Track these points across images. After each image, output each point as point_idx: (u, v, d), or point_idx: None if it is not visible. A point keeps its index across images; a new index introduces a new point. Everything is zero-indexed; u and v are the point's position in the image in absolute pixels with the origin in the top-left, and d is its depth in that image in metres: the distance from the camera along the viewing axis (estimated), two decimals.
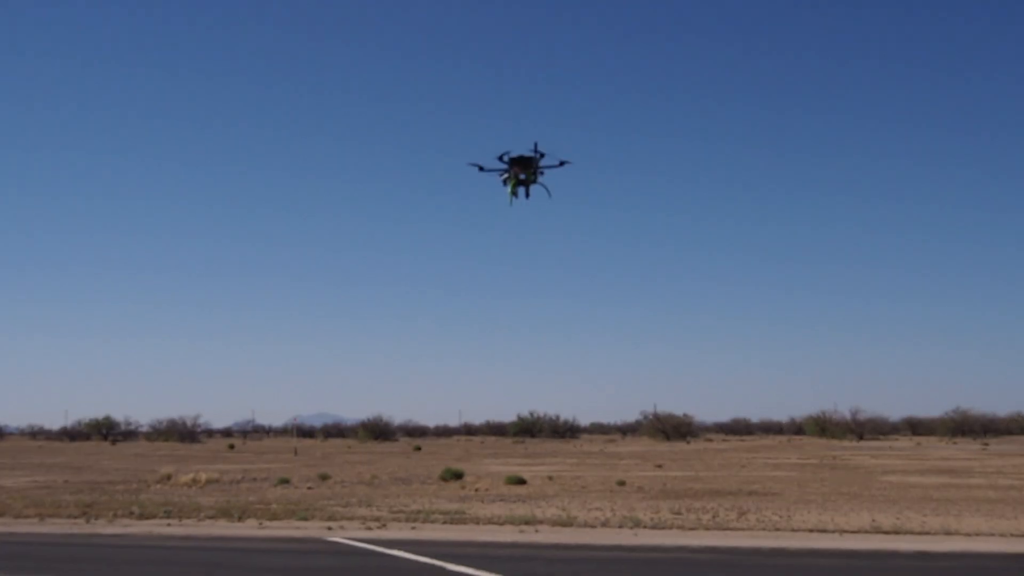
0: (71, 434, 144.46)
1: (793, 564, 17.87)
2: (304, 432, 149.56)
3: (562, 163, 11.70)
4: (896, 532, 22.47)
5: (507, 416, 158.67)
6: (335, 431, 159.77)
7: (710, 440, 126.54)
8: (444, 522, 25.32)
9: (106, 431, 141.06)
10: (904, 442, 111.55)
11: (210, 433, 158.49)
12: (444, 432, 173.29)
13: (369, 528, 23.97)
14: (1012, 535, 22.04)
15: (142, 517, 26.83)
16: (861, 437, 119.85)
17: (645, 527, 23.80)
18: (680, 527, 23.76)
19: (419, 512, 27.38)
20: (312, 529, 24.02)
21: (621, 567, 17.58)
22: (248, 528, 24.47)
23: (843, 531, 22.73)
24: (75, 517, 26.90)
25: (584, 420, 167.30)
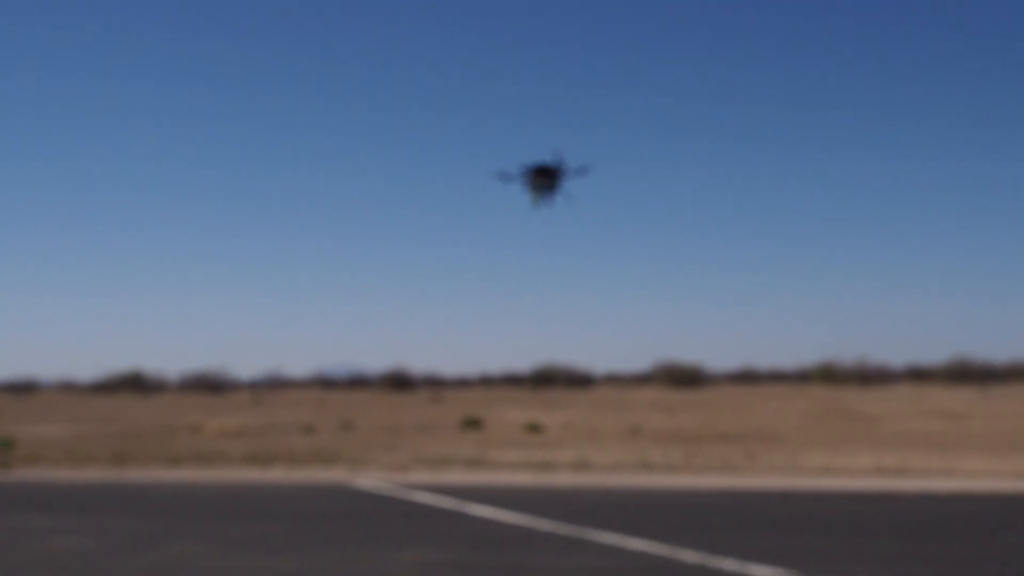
0: (102, 387, 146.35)
1: (802, 502, 18.56)
2: (327, 383, 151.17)
3: (584, 170, 12.18)
4: (900, 473, 23.14)
5: (524, 367, 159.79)
6: (357, 381, 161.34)
7: (720, 387, 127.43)
8: (465, 467, 26.13)
9: (136, 384, 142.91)
10: (906, 389, 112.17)
11: (236, 385, 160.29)
12: (463, 382, 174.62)
13: (391, 473, 24.80)
14: (1012, 475, 22.68)
15: (173, 465, 27.76)
16: (865, 384, 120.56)
17: (658, 470, 24.55)
18: (692, 470, 24.50)
19: (440, 458, 28.20)
20: (337, 474, 24.86)
21: (636, 507, 18.31)
22: (275, 474, 25.33)
23: (849, 473, 23.42)
24: (108, 465, 27.85)
25: (598, 370, 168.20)
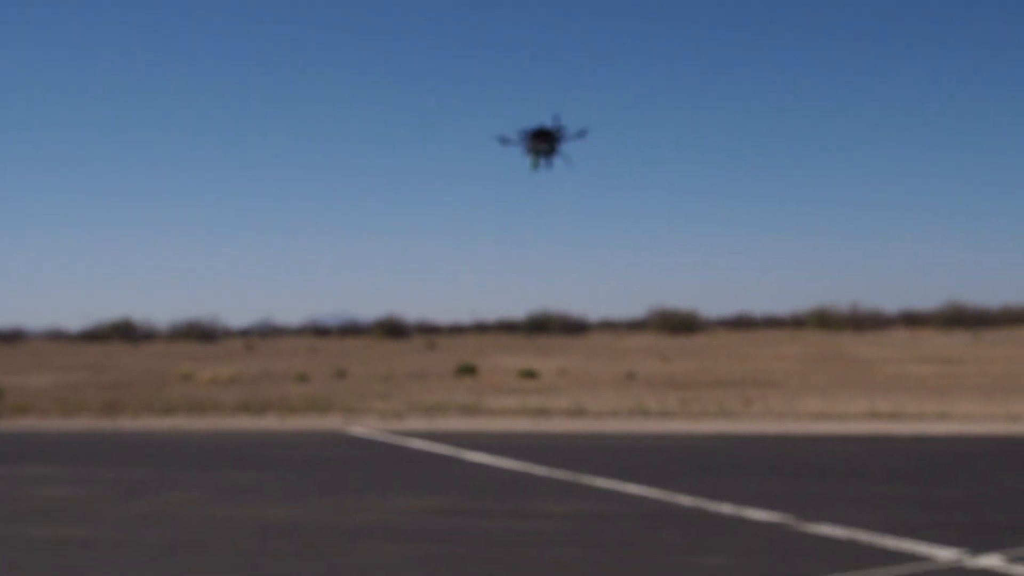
0: (91, 336, 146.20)
1: (797, 447, 18.49)
2: (320, 331, 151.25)
3: (582, 133, 12.08)
4: (894, 417, 23.09)
5: (518, 313, 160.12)
6: (350, 329, 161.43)
7: (715, 334, 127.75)
8: (459, 414, 26.03)
9: (126, 332, 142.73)
10: (900, 334, 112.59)
11: (228, 333, 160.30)
12: (457, 329, 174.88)
13: (387, 420, 24.68)
14: (1004, 418, 22.66)
15: (165, 413, 27.62)
16: (860, 330, 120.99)
17: (654, 416, 24.47)
18: (687, 416, 24.43)
19: (435, 405, 28.09)
20: (331, 422, 24.74)
21: (632, 452, 18.22)
22: (269, 422, 25.21)
23: (844, 417, 23.36)
24: (99, 414, 27.69)
25: (593, 316, 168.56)
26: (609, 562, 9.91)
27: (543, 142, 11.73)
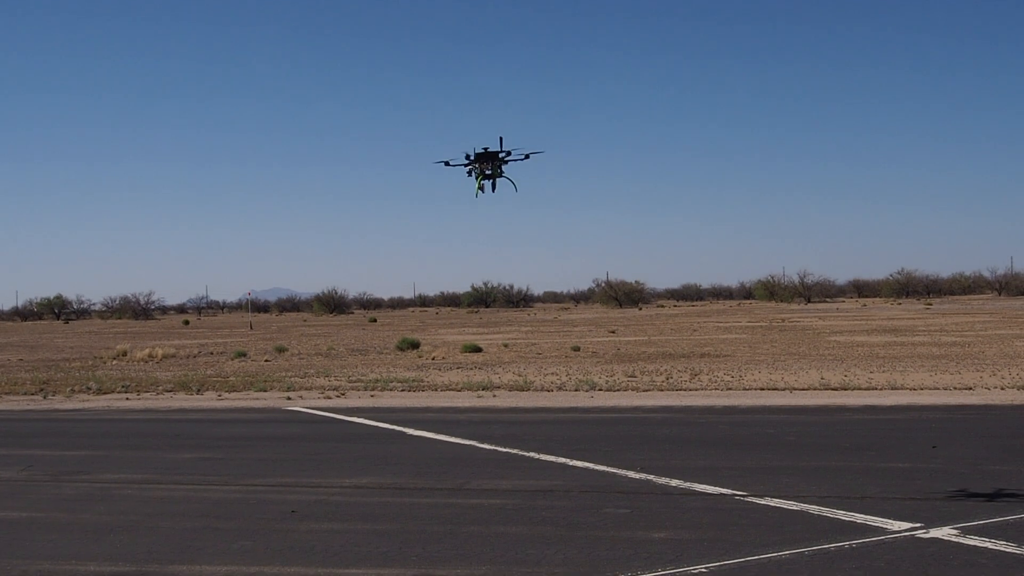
0: (23, 314, 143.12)
1: (746, 420, 18.39)
2: (259, 307, 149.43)
3: (527, 156, 11.98)
4: (844, 388, 23.15)
5: (461, 287, 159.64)
6: (289, 305, 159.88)
7: (662, 306, 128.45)
8: (402, 390, 25.65)
9: (58, 310, 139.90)
10: (850, 304, 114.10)
11: (164, 310, 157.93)
12: (399, 304, 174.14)
13: (328, 397, 24.23)
14: (955, 388, 22.80)
15: (100, 392, 26.88)
16: (809, 300, 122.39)
17: (601, 390, 24.29)
18: (635, 389, 24.28)
19: (377, 381, 27.68)
20: (271, 399, 24.22)
21: (579, 427, 17.99)
22: (207, 400, 24.62)
23: (793, 389, 23.38)
24: (32, 394, 26.89)
25: (537, 289, 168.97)
26: (555, 537, 9.64)
27: (487, 163, 11.61)
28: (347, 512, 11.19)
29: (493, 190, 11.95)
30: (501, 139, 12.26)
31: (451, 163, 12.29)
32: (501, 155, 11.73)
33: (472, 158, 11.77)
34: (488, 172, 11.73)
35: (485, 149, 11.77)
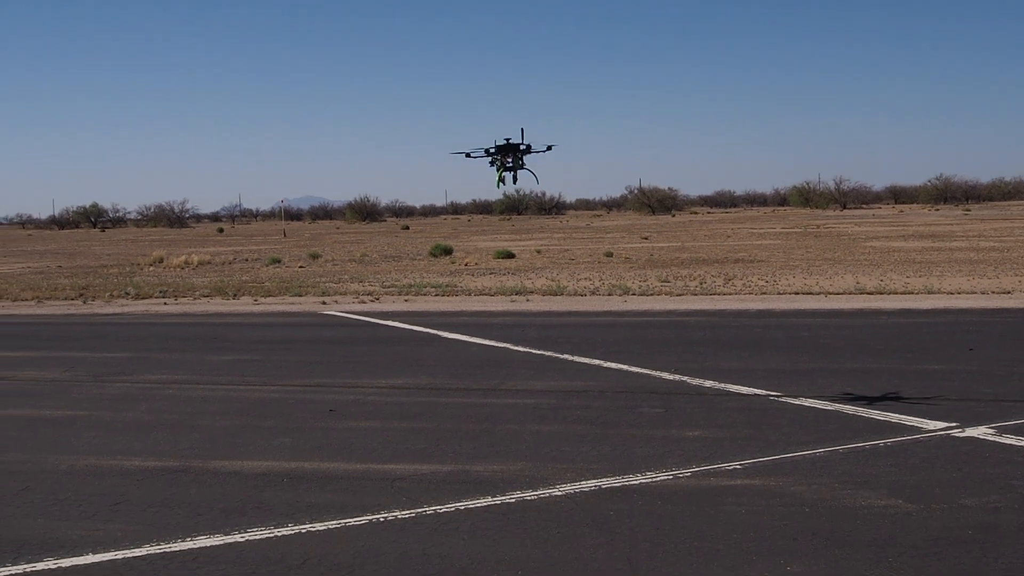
0: (60, 222, 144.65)
1: (780, 323, 18.34)
2: (292, 215, 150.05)
3: (549, 148, 12.30)
4: (880, 293, 22.99)
5: (493, 195, 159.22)
6: (322, 213, 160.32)
7: (695, 213, 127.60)
8: (436, 295, 25.76)
9: (94, 218, 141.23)
10: (887, 210, 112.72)
11: (198, 218, 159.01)
12: (431, 212, 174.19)
13: (363, 302, 24.39)
14: (992, 292, 22.58)
15: (138, 297, 27.21)
16: (844, 206, 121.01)
17: (634, 294, 24.28)
18: (668, 293, 24.25)
19: (411, 286, 27.81)
20: (307, 304, 24.43)
21: (612, 330, 18.03)
22: (243, 305, 24.86)
23: (828, 293, 23.25)
24: (72, 299, 27.26)
25: (570, 196, 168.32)
26: (590, 436, 9.73)
27: (507, 155, 11.77)
28: (384, 411, 11.34)
29: (515, 182, 12.16)
30: (523, 131, 12.47)
31: (471, 155, 12.51)
32: (522, 147, 11.94)
33: (493, 151, 11.98)
34: (509, 164, 11.88)
35: (507, 140, 12.05)
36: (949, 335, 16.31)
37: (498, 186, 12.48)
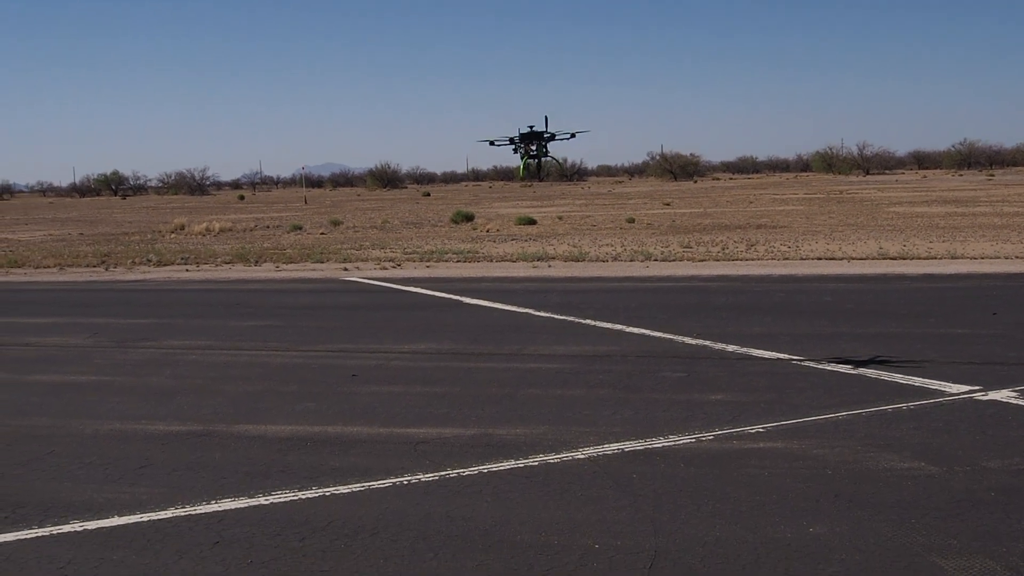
0: (80, 190, 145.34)
1: (803, 288, 18.25)
2: (312, 182, 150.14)
3: (573, 135, 12.59)
4: (903, 258, 22.83)
5: (514, 161, 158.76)
6: (343, 180, 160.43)
7: (717, 179, 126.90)
8: (457, 261, 25.77)
9: (115, 186, 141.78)
10: (910, 175, 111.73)
11: (219, 185, 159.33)
12: (452, 179, 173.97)
13: (384, 268, 24.43)
14: (1016, 257, 22.37)
15: (160, 264, 27.35)
16: (867, 172, 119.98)
17: (656, 260, 24.20)
18: (690, 259, 24.16)
19: (432, 252, 27.82)
20: (328, 270, 24.49)
21: (634, 295, 18.00)
22: (265, 271, 24.96)
23: (851, 258, 23.10)
24: (94, 266, 27.43)
25: (591, 163, 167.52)
26: (613, 399, 9.73)
27: (532, 145, 11.85)
28: (406, 376, 11.37)
29: (538, 171, 12.25)
30: (546, 119, 12.69)
31: (496, 143, 12.83)
32: (546, 135, 12.02)
33: (518, 139, 12.06)
34: (533, 152, 11.94)
35: (531, 128, 12.13)
36: (972, 300, 16.19)
37: (522, 175, 12.62)
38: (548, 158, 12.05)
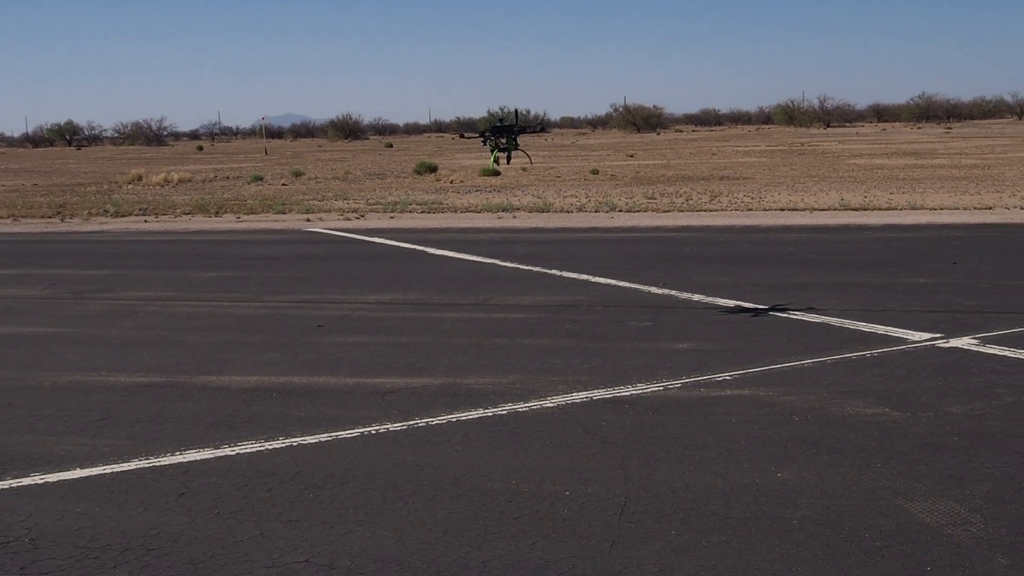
0: (33, 140, 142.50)
1: (766, 239, 18.34)
2: (272, 133, 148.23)
3: (541, 128, 14.29)
4: (864, 209, 22.98)
5: (477, 112, 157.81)
6: (304, 131, 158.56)
7: (680, 131, 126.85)
8: (422, 212, 25.61)
9: (69, 136, 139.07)
10: (870, 128, 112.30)
11: (177, 136, 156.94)
12: (414, 130, 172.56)
13: (347, 219, 24.23)
14: (974, 208, 22.60)
15: (117, 215, 26.95)
16: (828, 124, 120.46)
17: (620, 211, 24.19)
18: (655, 210, 24.17)
19: (396, 203, 27.62)
20: (291, 221, 24.25)
21: (600, 246, 17.99)
22: (226, 222, 24.66)
23: (813, 209, 23.22)
24: (49, 217, 26.99)
25: (554, 114, 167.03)
26: (580, 349, 9.73)
27: (501, 136, 12.18)
28: (372, 326, 11.30)
29: (508, 162, 12.64)
30: (516, 112, 13.41)
31: (466, 136, 13.94)
32: (516, 128, 12.43)
33: (487, 132, 12.47)
34: (504, 145, 12.23)
35: (500, 121, 12.64)
36: (933, 250, 16.34)
37: (492, 166, 12.91)
38: (517, 149, 12.32)
